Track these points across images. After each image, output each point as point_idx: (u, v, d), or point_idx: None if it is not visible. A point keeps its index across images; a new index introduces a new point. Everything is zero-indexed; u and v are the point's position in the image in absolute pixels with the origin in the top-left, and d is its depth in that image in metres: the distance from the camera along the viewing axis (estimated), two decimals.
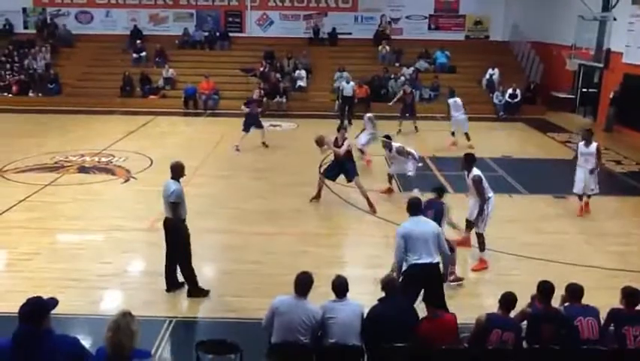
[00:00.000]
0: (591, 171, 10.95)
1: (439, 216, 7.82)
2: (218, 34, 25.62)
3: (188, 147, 16.09)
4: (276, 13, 25.98)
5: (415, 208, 6.71)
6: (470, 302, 7.45)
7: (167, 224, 7.56)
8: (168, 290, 7.68)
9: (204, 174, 13.26)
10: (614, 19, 19.25)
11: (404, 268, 6.51)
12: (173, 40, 25.26)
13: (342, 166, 11.32)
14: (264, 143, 16.16)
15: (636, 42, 17.97)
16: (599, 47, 20.01)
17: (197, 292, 7.63)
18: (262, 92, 18.31)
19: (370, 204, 11.07)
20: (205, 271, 8.13)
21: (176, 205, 7.38)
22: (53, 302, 4.25)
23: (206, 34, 25.58)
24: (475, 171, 8.66)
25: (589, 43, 20.36)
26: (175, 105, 21.88)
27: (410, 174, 11.86)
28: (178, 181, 7.46)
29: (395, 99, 19.33)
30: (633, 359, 5.44)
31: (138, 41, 24.65)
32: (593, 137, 11.28)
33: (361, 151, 14.18)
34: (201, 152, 15.29)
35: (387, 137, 12.42)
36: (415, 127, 18.48)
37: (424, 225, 6.60)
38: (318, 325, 5.31)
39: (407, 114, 18.51)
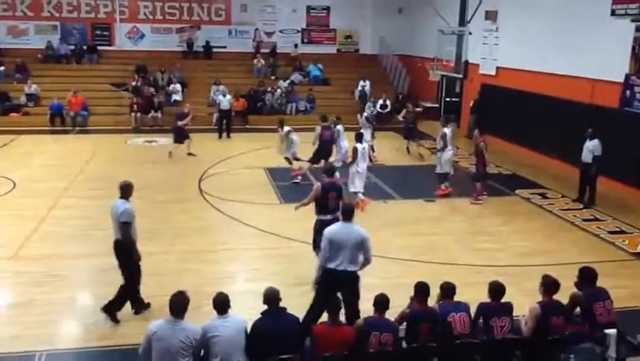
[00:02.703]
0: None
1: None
2: (85, 47, 24.41)
3: (56, 166, 15.16)
4: (147, 25, 25.21)
5: (346, 214, 6.78)
6: None
7: (117, 246, 7.27)
8: (137, 312, 7.45)
9: (76, 195, 12.55)
10: (470, 33, 20.82)
11: (321, 272, 6.64)
12: (35, 54, 23.64)
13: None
14: (190, 153, 16.58)
15: (490, 54, 19.55)
16: (458, 59, 21.53)
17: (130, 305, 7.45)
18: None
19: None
20: (80, 298, 7.67)
21: (127, 225, 7.12)
22: None
23: (73, 47, 24.27)
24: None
25: (449, 55, 21.83)
26: (40, 123, 20.46)
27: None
28: (128, 200, 7.26)
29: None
30: (500, 349, 5.87)
31: None
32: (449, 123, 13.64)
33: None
34: (71, 171, 14.46)
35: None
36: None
37: (349, 232, 6.64)
38: (198, 345, 5.18)
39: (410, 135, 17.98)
